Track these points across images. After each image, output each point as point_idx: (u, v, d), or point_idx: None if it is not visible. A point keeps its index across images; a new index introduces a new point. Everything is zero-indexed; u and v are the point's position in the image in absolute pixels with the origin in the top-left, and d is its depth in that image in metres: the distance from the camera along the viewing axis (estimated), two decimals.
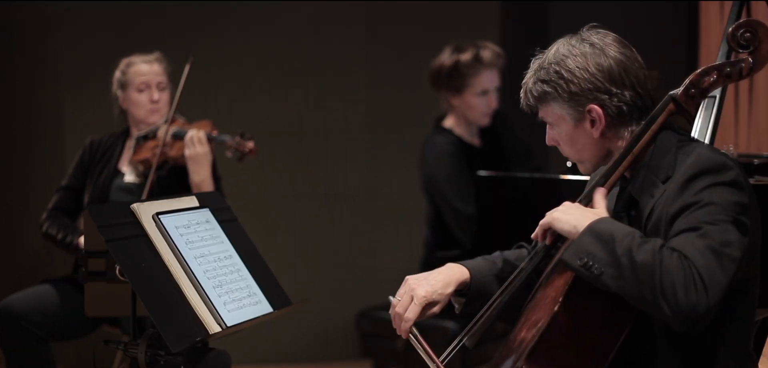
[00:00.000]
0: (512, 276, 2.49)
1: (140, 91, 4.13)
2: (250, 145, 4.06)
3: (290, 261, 5.42)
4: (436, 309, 2.53)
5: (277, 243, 5.31)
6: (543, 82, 2.40)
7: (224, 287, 2.59)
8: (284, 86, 5.66)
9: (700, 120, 2.94)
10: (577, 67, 2.36)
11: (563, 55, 2.38)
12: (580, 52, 2.37)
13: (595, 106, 2.35)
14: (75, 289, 3.95)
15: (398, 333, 2.50)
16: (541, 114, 2.46)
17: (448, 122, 4.51)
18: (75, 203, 4.15)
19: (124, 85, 4.16)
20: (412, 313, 2.48)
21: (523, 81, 2.47)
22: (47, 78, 5.50)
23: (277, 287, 2.76)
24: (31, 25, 5.45)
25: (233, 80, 5.54)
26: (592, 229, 2.21)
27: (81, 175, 4.17)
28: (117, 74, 4.19)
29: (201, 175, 4.03)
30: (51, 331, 3.87)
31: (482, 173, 4.01)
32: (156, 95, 4.13)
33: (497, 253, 2.67)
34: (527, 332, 2.29)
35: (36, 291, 3.93)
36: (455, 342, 2.55)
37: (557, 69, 2.37)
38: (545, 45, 2.48)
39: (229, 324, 2.51)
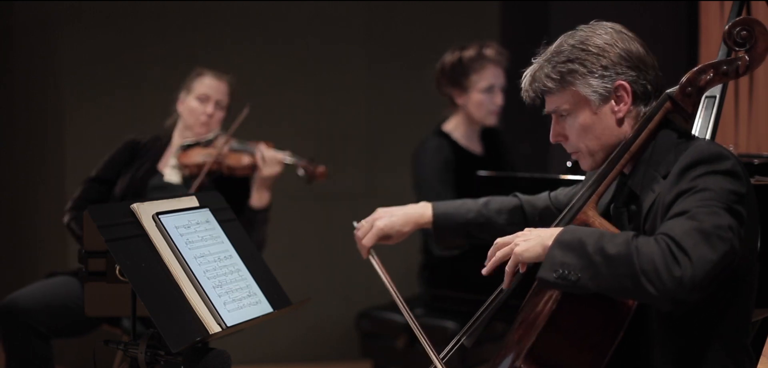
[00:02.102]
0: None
1: (200, 100, 4.20)
2: (321, 169, 4.21)
3: (290, 261, 5.42)
4: (390, 241, 2.86)
5: (276, 243, 5.32)
6: (568, 61, 2.35)
7: (224, 287, 2.59)
8: (284, 86, 5.66)
9: (700, 119, 2.93)
10: (606, 43, 2.34)
11: (586, 35, 2.36)
12: (605, 31, 2.36)
13: (624, 82, 2.34)
14: (81, 284, 3.94)
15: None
16: (554, 101, 2.39)
17: (448, 126, 4.47)
18: (101, 196, 4.12)
19: (188, 90, 4.23)
20: (368, 240, 2.84)
21: (531, 71, 2.40)
22: (47, 78, 5.50)
23: (277, 287, 2.75)
24: (31, 25, 5.45)
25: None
26: (559, 241, 2.19)
27: (113, 170, 4.15)
28: (189, 77, 4.26)
29: (263, 200, 4.15)
30: (55, 329, 3.85)
31: (482, 173, 4.00)
32: (211, 110, 4.20)
33: (484, 199, 2.80)
34: (525, 331, 2.29)
35: (42, 288, 3.91)
36: (454, 342, 2.56)
37: (584, 47, 2.34)
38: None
39: (229, 324, 2.51)
